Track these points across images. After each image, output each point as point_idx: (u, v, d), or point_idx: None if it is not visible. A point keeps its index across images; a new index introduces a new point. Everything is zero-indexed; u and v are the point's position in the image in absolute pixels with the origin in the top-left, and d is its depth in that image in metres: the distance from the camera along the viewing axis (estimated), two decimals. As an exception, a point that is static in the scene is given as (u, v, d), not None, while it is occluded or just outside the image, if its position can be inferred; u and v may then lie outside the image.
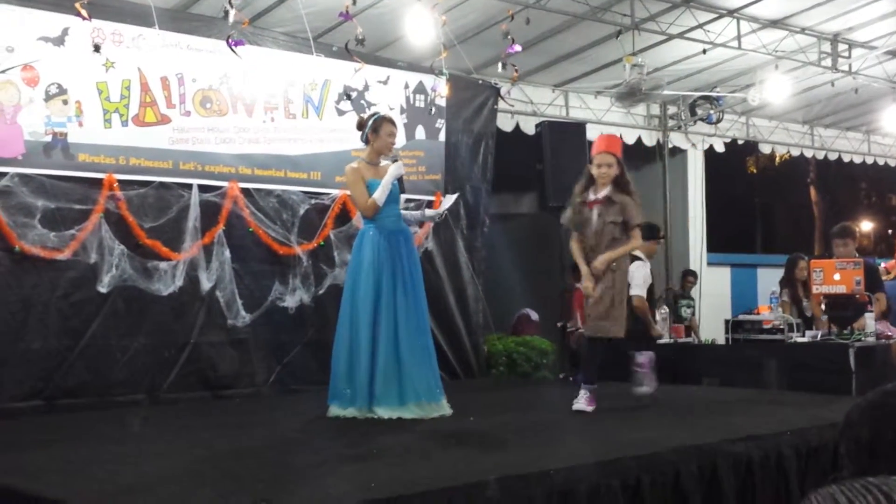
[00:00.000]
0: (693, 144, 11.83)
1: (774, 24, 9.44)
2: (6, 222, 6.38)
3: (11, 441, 5.28)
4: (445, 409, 5.84)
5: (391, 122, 6.17)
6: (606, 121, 10.85)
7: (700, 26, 9.16)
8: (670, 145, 11.64)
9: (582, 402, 5.83)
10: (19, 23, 6.48)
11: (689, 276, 11.22)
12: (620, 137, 7.17)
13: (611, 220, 5.86)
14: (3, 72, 6.39)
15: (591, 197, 5.94)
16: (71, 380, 6.67)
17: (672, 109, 11.55)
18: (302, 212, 7.81)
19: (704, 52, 9.57)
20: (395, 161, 6.04)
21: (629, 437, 4.84)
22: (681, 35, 9.27)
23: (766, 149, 12.97)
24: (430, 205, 7.99)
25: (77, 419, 6.27)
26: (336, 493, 3.70)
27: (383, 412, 5.72)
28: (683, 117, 11.47)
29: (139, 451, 4.96)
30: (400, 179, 6.01)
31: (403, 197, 6.29)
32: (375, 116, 6.16)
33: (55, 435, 5.58)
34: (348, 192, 7.81)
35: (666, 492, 4.05)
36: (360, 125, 6.17)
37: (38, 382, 6.53)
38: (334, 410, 5.86)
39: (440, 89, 8.58)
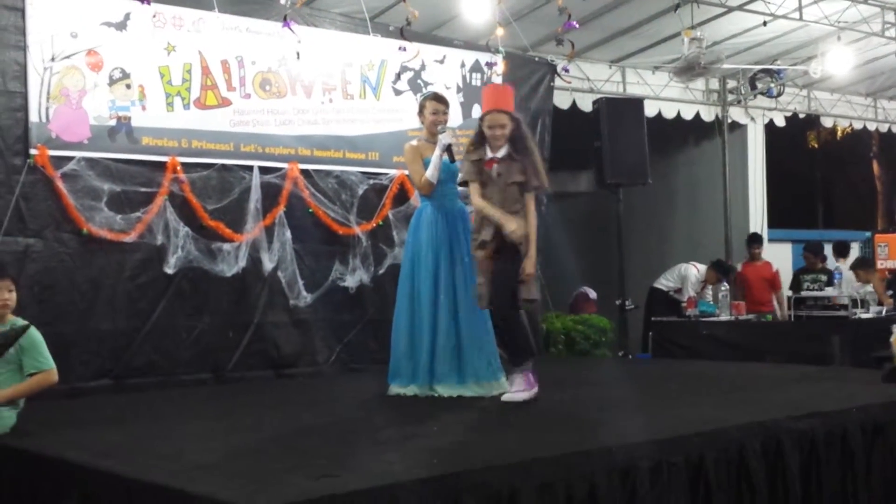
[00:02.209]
0: (753, 119, 11.65)
1: (837, -6, 9.25)
2: (74, 205, 6.52)
3: (82, 419, 5.42)
4: (504, 386, 5.86)
5: (435, 99, 6.14)
6: (664, 96, 10.73)
7: (760, -2, 9.01)
8: (729, 120, 11.47)
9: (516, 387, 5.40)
10: (82, 8, 6.60)
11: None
12: (513, 86, 6.34)
13: (513, 180, 5.33)
14: (68, 57, 6.51)
15: (490, 155, 5.38)
16: (138, 359, 6.82)
17: (731, 83, 11.38)
18: (361, 192, 7.87)
19: (765, 24, 9.41)
20: (442, 137, 5.91)
21: (692, 414, 4.81)
22: (740, 7, 9.12)
23: (827, 122, 12.72)
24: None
25: (145, 398, 6.41)
26: (398, 469, 3.75)
27: (443, 390, 5.77)
28: (743, 91, 11.30)
29: (206, 429, 5.06)
30: (449, 150, 5.89)
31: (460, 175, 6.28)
32: (422, 96, 6.33)
33: (124, 413, 5.72)
34: (406, 172, 7.90)
35: (730, 469, 4.04)
36: (422, 106, 6.19)
37: (106, 362, 6.69)
38: (395, 389, 5.92)
39: (496, 67, 8.56)
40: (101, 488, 3.92)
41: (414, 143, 6.12)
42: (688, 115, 10.99)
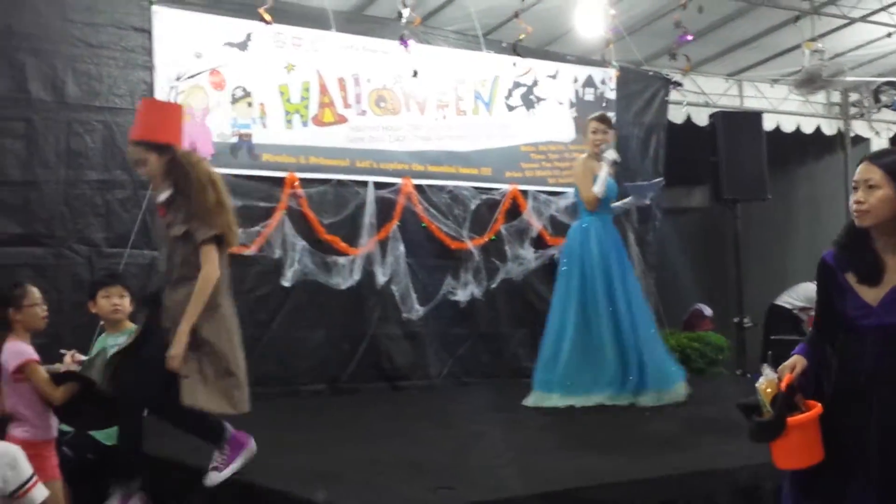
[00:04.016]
0: (877, 133, 11.24)
1: (966, 2, 8.87)
2: (198, 220, 6.70)
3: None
4: (680, 393, 6.06)
5: (597, 119, 6.47)
6: (783, 109, 10.46)
7: (884, 9, 8.72)
8: (852, 134, 11.10)
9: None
10: (206, 29, 6.82)
11: None
12: (175, 104, 5.54)
13: (174, 233, 4.02)
14: (193, 77, 6.73)
15: (159, 199, 4.14)
16: (257, 369, 6.90)
17: (854, 96, 11.01)
18: (473, 207, 7.90)
19: (889, 35, 9.10)
20: (606, 156, 6.28)
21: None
22: (864, 18, 8.84)
23: (956, 136, 12.20)
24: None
25: (264, 407, 6.48)
26: (515, 484, 3.73)
27: (645, 400, 5.98)
28: (866, 104, 10.92)
29: (323, 439, 5.15)
30: (614, 167, 6.31)
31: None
32: (589, 117, 6.58)
33: (245, 422, 5.84)
34: (521, 187, 7.95)
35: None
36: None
37: (226, 372, 6.84)
38: (558, 400, 6.04)
39: (610, 82, 8.49)
40: (223, 493, 4.02)
41: (584, 156, 6.41)
42: (808, 128, 10.68)
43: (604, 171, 6.20)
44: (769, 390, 2.77)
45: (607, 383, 5.96)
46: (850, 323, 2.81)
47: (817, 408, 2.76)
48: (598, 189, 6.17)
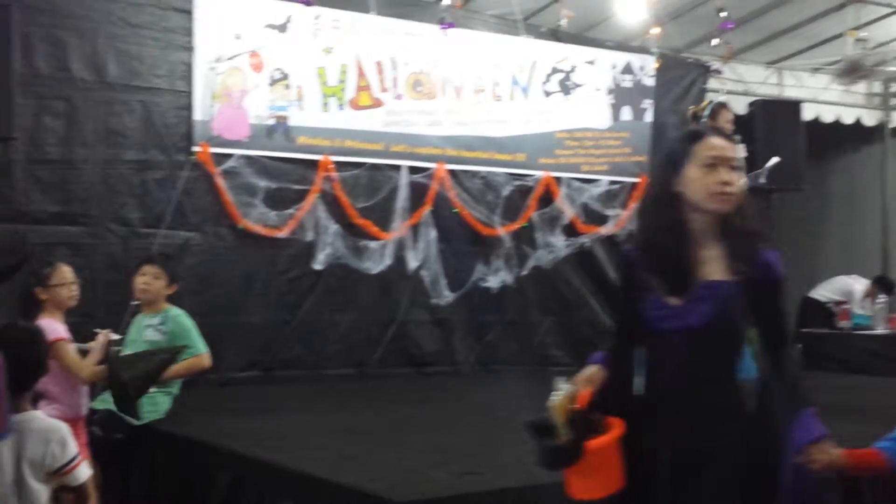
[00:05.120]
0: (918, 125, 11.08)
1: None
2: (232, 201, 6.76)
3: (235, 409, 5.63)
4: None
5: (728, 108, 6.32)
6: (823, 99, 10.31)
7: (932, -3, 8.57)
8: (892, 125, 10.94)
9: None
10: (246, 11, 6.85)
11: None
12: None
13: None
14: (232, 58, 6.76)
15: None
16: (286, 352, 7.03)
17: (896, 87, 10.85)
18: (506, 193, 7.88)
19: (935, 25, 8.94)
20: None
21: (846, 429, 4.62)
22: (910, 8, 8.70)
23: None
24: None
25: (291, 390, 6.61)
26: (542, 473, 3.74)
27: None
28: (909, 95, 10.76)
29: (350, 422, 5.18)
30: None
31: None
32: (714, 103, 6.33)
33: (272, 404, 5.91)
34: (554, 174, 7.90)
35: (887, 488, 3.87)
36: (696, 113, 6.32)
37: (256, 354, 6.91)
38: None
39: (648, 69, 8.43)
40: (250, 474, 4.08)
41: None
42: (848, 119, 10.52)
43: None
44: (564, 409, 2.38)
45: None
46: (650, 326, 2.45)
47: (618, 428, 2.38)
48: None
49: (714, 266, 2.42)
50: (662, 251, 2.45)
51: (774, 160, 6.66)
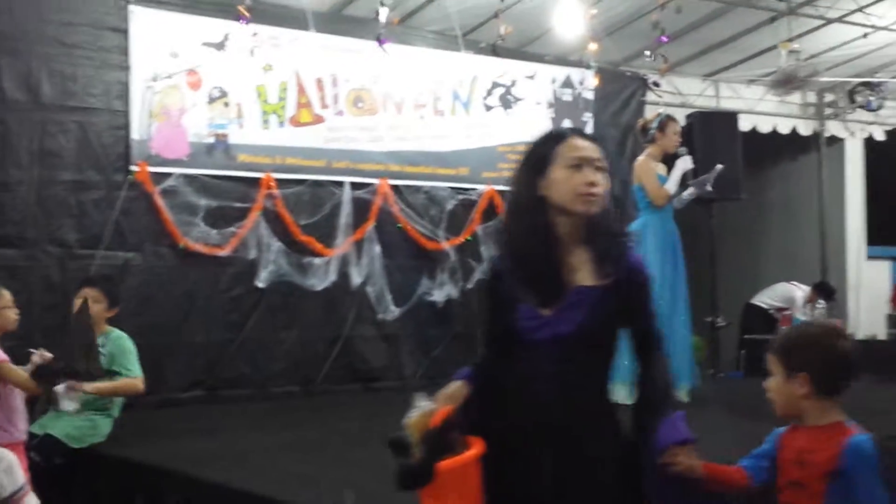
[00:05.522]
0: (851, 133, 11.31)
1: (942, 4, 8.94)
2: (172, 220, 6.69)
3: (178, 429, 5.56)
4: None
5: (676, 120, 6.61)
6: (759, 110, 10.51)
7: (860, 9, 8.75)
8: (827, 134, 11.18)
9: None
10: (183, 29, 6.79)
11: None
12: None
13: None
14: (169, 77, 6.70)
15: None
16: (231, 371, 6.96)
17: (829, 97, 11.08)
18: (449, 207, 7.91)
19: (865, 36, 9.14)
20: (683, 157, 6.45)
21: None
22: (840, 19, 8.88)
23: (930, 136, 12.28)
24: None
25: (236, 409, 6.54)
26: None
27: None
28: (841, 105, 10.99)
29: (297, 441, 5.14)
30: (685, 174, 6.46)
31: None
32: (662, 116, 6.58)
33: (217, 424, 5.84)
34: (496, 188, 7.93)
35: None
36: (644, 126, 6.60)
37: (200, 374, 6.84)
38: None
39: (587, 82, 8.52)
40: (199, 496, 4.02)
41: (644, 158, 6.50)
42: (784, 129, 10.73)
43: (679, 169, 6.36)
44: (420, 427, 2.27)
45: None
46: (521, 337, 2.35)
47: (476, 448, 2.25)
48: (671, 185, 6.32)
49: (582, 271, 2.36)
50: (530, 258, 2.36)
51: (719, 167, 6.75)
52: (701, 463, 2.36)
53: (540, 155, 2.40)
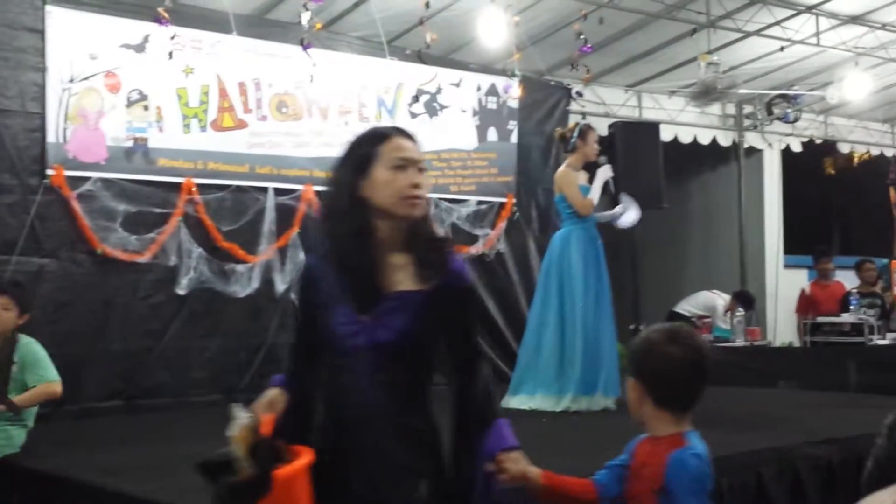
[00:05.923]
0: (769, 144, 11.60)
1: (854, 20, 9.22)
2: (89, 226, 6.53)
3: (94, 440, 5.42)
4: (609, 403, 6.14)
5: (595, 129, 6.72)
6: (680, 121, 10.70)
7: (777, 23, 8.99)
8: (746, 145, 11.43)
9: None
10: (102, 30, 6.64)
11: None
12: None
13: None
14: (87, 79, 6.55)
15: None
16: (150, 380, 6.81)
17: (748, 109, 11.34)
18: (373, 215, 7.85)
19: (782, 49, 9.39)
20: (603, 165, 6.51)
21: (707, 439, 4.76)
22: (758, 32, 9.11)
23: (844, 148, 12.63)
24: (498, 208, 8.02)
25: (156, 419, 6.40)
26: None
27: (601, 402, 6.14)
28: (760, 116, 11.25)
29: (216, 450, 5.04)
30: (607, 183, 6.50)
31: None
32: (581, 125, 6.67)
33: (135, 434, 5.71)
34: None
35: (746, 495, 3.99)
36: (564, 135, 6.64)
37: (118, 382, 6.68)
38: (529, 402, 6.21)
39: (512, 91, 8.58)
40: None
41: (566, 168, 6.53)
42: (704, 139, 10.95)
43: (600, 178, 6.43)
44: (246, 439, 2.14)
45: (574, 388, 6.13)
46: (338, 343, 2.25)
47: (307, 456, 2.17)
48: (594, 195, 6.38)
49: (403, 276, 2.27)
50: (348, 262, 2.25)
51: (609, 174, 6.68)
52: (540, 472, 2.28)
53: (362, 154, 2.29)
